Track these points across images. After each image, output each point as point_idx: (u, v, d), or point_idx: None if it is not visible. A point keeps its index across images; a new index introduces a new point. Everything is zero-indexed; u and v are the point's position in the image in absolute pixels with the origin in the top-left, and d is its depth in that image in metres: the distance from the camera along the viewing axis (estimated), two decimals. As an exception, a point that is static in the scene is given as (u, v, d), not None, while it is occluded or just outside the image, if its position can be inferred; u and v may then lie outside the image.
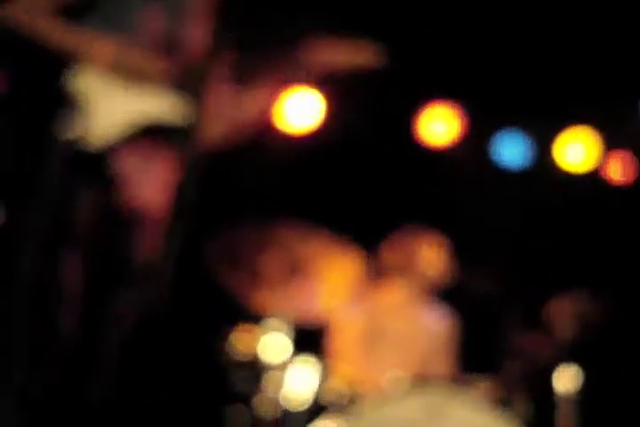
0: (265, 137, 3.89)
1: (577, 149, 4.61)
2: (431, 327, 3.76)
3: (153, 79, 2.45)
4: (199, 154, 1.91)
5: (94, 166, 2.42)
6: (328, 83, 3.56)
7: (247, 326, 3.44)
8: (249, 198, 4.18)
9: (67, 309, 2.35)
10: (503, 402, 3.34)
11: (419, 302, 3.75)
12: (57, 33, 2.43)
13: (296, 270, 3.45)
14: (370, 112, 4.25)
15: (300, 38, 2.65)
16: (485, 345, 3.88)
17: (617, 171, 4.60)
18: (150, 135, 2.48)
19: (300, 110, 4.25)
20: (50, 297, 2.34)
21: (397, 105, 4.36)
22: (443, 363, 3.73)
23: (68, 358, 2.33)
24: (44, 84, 2.44)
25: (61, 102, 2.37)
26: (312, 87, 4.14)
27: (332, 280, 3.45)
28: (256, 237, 3.43)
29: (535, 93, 4.38)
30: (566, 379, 3.56)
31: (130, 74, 2.45)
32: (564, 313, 3.68)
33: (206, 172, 1.89)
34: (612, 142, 4.56)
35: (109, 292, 2.41)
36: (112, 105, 2.46)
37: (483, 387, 3.37)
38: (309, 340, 3.62)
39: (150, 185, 2.50)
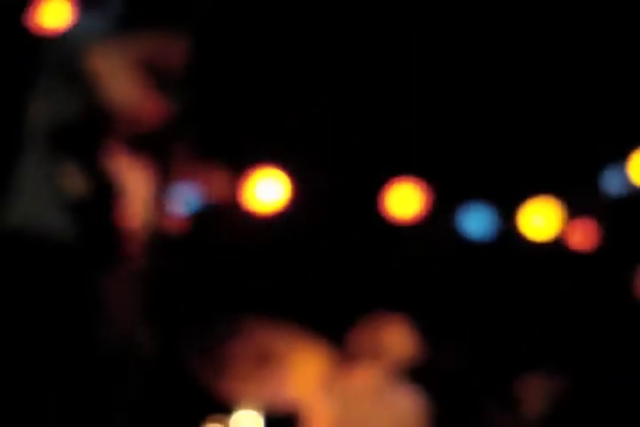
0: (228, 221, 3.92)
1: (540, 220, 4.66)
2: (402, 411, 3.77)
3: None
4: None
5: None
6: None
7: (218, 417, 3.45)
8: (217, 289, 4.19)
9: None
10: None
11: (389, 387, 3.77)
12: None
13: (265, 361, 3.47)
14: (335, 192, 4.28)
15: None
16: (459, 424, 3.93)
17: (579, 239, 4.65)
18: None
19: (265, 191, 4.27)
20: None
21: (363, 184, 4.40)
22: None
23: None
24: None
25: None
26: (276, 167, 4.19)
27: (301, 370, 3.48)
28: (226, 330, 3.47)
29: (498, 166, 4.44)
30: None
31: None
32: (535, 391, 3.73)
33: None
34: (574, 211, 4.60)
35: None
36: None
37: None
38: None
39: None
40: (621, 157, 4.33)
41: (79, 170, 2.61)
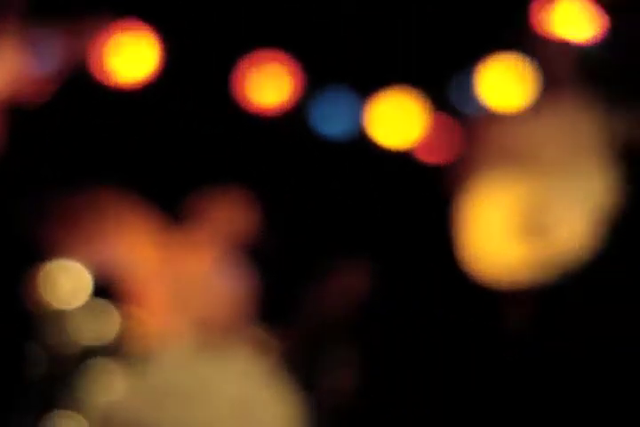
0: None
1: (395, 117, 4.59)
2: (225, 294, 3.80)
3: None
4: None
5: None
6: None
7: (43, 267, 3.40)
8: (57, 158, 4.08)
9: None
10: (291, 358, 3.45)
11: (219, 267, 3.78)
12: None
13: (100, 221, 3.44)
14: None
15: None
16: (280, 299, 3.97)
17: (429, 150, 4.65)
18: None
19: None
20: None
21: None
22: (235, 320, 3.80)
23: None
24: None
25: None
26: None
27: (135, 236, 3.46)
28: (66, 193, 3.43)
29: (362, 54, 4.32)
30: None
31: None
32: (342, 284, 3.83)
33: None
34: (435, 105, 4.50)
35: None
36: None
37: (272, 342, 3.48)
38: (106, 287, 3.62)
39: None
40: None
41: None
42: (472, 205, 3.64)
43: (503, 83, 4.19)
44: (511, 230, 3.44)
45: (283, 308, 3.79)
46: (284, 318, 3.71)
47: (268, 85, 4.36)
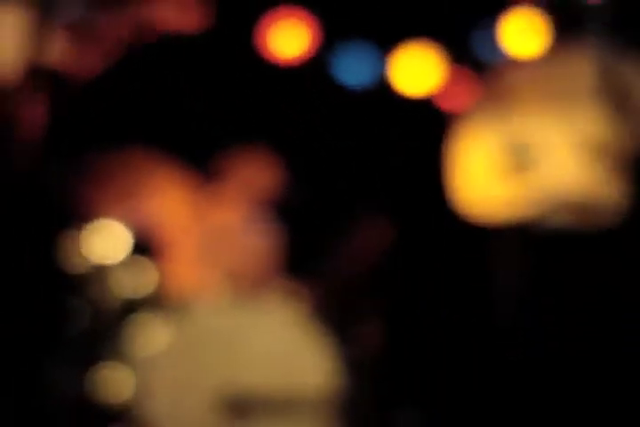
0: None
1: (416, 68, 4.67)
2: (252, 250, 3.99)
3: None
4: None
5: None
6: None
7: (84, 226, 3.55)
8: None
9: None
10: (322, 310, 3.62)
11: (246, 224, 3.95)
12: None
13: (133, 181, 3.57)
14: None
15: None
16: (310, 252, 4.13)
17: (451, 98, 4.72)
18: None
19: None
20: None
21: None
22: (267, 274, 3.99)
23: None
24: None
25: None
26: None
27: (168, 194, 3.58)
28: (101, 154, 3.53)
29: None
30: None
31: None
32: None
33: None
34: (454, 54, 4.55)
35: None
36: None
37: (303, 294, 3.66)
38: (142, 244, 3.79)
39: None
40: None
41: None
42: (460, 145, 3.75)
43: (522, 31, 4.26)
44: (497, 168, 3.53)
45: (309, 262, 3.96)
46: (311, 272, 3.87)
47: (291, 39, 4.44)
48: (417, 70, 4.64)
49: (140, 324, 3.46)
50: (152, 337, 3.44)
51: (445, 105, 4.67)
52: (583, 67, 3.49)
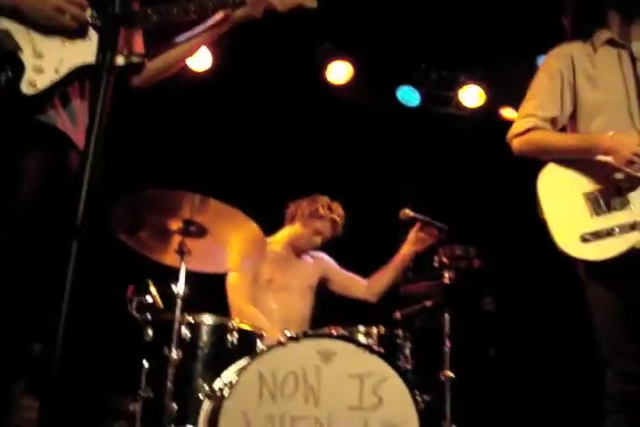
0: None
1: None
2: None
3: None
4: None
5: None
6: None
7: (153, 281, 3.65)
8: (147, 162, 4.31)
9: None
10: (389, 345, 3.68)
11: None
12: None
13: (201, 234, 3.58)
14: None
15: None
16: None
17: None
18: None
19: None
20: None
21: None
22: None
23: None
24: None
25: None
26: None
27: (235, 244, 3.63)
28: (158, 201, 3.52)
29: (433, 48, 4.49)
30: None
31: None
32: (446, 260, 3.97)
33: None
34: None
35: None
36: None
37: (368, 332, 3.73)
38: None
39: None
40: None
41: None
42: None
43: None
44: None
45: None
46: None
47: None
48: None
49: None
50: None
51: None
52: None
